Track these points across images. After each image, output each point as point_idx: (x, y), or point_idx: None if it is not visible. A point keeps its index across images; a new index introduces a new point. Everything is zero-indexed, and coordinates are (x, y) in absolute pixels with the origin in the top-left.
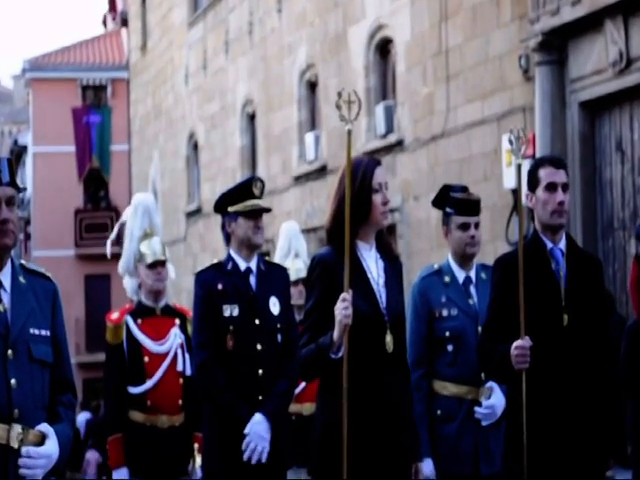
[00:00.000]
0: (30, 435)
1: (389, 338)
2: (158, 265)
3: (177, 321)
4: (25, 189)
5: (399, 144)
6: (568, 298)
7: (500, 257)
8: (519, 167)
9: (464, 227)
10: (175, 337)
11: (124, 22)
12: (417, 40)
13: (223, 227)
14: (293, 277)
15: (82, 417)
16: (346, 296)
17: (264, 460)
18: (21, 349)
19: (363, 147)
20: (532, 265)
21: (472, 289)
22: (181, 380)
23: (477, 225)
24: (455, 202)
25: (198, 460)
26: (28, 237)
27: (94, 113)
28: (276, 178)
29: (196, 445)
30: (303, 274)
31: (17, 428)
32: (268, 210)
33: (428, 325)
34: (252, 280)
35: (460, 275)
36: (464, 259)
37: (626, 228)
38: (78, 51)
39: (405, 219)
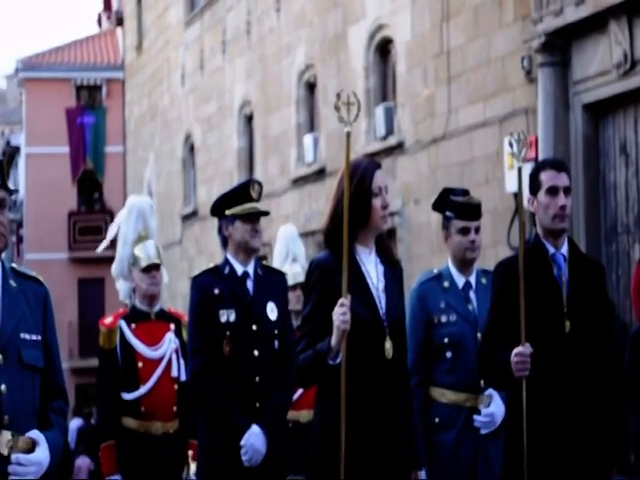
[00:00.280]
0: (20, 442)
1: (388, 344)
2: (153, 269)
3: (172, 326)
4: (17, 191)
5: (399, 146)
6: (570, 304)
7: (501, 262)
8: (520, 170)
9: (464, 231)
10: (170, 342)
11: (119, 21)
12: (418, 40)
13: (220, 230)
14: (291, 282)
15: (74, 424)
16: (344, 301)
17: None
18: (11, 354)
19: (363, 149)
20: (533, 270)
21: (472, 294)
22: (176, 386)
23: (477, 229)
24: (455, 206)
25: (192, 467)
26: (21, 240)
27: (88, 114)
28: (274, 181)
29: (190, 452)
30: (301, 279)
31: (7, 435)
32: (266, 213)
33: (426, 331)
34: (249, 285)
35: (460, 280)
36: (464, 264)
37: (630, 233)
38: (72, 51)
39: (405, 223)
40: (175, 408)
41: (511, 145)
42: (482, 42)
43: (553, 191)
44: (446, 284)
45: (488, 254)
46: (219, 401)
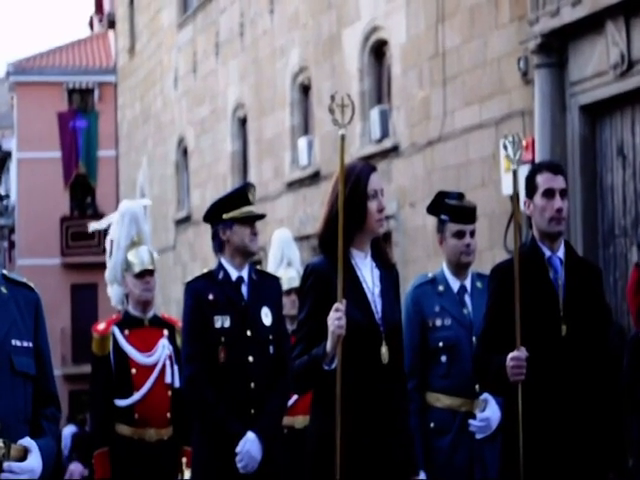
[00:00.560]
0: (12, 450)
1: (384, 349)
2: (146, 274)
3: (165, 332)
4: (8, 197)
5: (394, 149)
6: (567, 308)
7: (497, 265)
8: (515, 173)
9: (459, 235)
10: (163, 348)
11: (111, 24)
12: (413, 42)
13: (215, 236)
14: (285, 286)
15: (68, 430)
16: (339, 306)
17: None
18: (3, 361)
19: (357, 152)
20: (529, 274)
21: (467, 298)
22: (169, 392)
23: (472, 233)
24: (450, 209)
25: (187, 474)
26: (12, 245)
27: (80, 118)
28: (268, 184)
29: (184, 459)
30: (296, 283)
31: None
32: (263, 216)
33: (421, 335)
34: (244, 290)
35: (454, 284)
36: (459, 268)
37: (627, 235)
38: (64, 54)
39: (401, 226)
40: (169, 415)
41: (505, 147)
42: (478, 43)
43: (549, 194)
44: (441, 288)
45: (484, 257)
46: (214, 409)
